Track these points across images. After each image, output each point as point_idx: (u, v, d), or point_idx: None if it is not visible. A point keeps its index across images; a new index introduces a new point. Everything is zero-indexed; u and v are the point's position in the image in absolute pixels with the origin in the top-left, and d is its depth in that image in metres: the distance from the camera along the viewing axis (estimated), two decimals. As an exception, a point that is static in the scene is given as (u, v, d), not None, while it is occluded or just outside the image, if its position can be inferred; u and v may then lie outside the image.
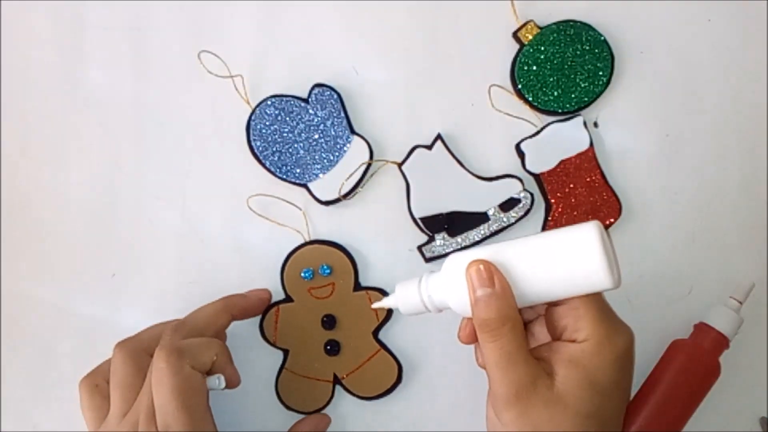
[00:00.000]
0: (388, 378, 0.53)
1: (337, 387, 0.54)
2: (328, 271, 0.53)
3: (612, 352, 0.41)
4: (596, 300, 0.42)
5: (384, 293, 0.53)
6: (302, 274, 0.53)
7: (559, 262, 0.41)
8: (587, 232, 0.40)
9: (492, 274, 0.42)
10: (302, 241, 0.54)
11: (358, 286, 0.54)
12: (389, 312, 0.53)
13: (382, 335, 0.54)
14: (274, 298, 0.54)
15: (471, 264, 0.42)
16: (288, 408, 0.53)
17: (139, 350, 0.47)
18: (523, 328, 0.43)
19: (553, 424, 0.41)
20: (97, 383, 0.47)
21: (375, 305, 0.47)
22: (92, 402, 0.47)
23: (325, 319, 0.53)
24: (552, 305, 0.44)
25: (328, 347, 0.53)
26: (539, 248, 0.42)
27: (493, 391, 0.43)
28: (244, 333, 0.53)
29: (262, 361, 0.54)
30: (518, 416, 0.41)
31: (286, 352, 0.54)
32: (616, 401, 0.42)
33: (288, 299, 0.54)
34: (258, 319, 0.54)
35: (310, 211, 0.55)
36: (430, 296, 0.44)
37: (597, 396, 0.41)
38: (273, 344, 0.54)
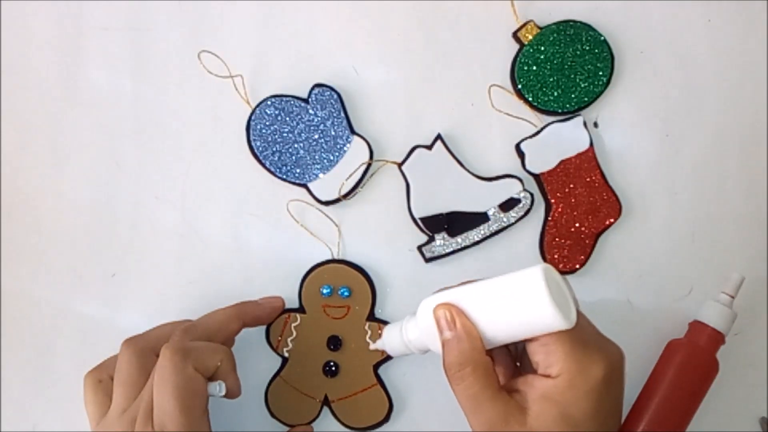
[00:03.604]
0: (376, 414, 0.53)
1: (324, 409, 0.54)
2: (347, 293, 0.53)
3: (585, 384, 0.41)
4: (567, 333, 0.41)
5: None
6: (322, 290, 0.53)
7: (511, 307, 0.42)
8: (532, 279, 0.41)
9: (454, 318, 0.42)
10: (329, 257, 0.54)
11: (372, 316, 0.54)
12: None
13: (382, 370, 0.54)
14: (288, 305, 0.54)
15: (436, 308, 0.43)
16: (272, 415, 0.53)
17: (145, 349, 0.47)
18: (491, 367, 0.43)
19: None
20: (101, 379, 0.48)
21: (371, 347, 0.49)
22: (95, 397, 0.47)
23: (331, 339, 0.53)
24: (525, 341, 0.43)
25: (327, 367, 0.53)
26: (492, 294, 0.43)
27: (471, 429, 0.43)
28: (246, 331, 0.52)
29: (258, 363, 0.54)
30: None
31: (284, 361, 0.54)
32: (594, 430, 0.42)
33: (301, 310, 0.54)
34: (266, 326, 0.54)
35: (310, 211, 0.55)
36: (410, 340, 0.46)
37: (571, 430, 0.41)
38: (275, 349, 0.54)
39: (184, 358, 0.44)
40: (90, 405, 0.47)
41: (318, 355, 0.53)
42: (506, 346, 0.45)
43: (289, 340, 0.53)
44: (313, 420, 0.53)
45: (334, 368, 0.53)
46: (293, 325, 0.53)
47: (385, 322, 0.53)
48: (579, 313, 0.43)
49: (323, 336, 0.53)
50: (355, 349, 0.53)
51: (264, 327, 0.54)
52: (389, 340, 0.47)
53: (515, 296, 0.41)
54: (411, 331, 0.46)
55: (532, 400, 0.42)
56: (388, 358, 0.53)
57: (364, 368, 0.53)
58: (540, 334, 0.42)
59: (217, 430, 0.47)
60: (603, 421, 0.42)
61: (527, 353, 0.43)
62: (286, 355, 0.53)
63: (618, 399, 0.44)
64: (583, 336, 0.42)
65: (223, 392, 0.46)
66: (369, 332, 0.53)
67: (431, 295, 0.45)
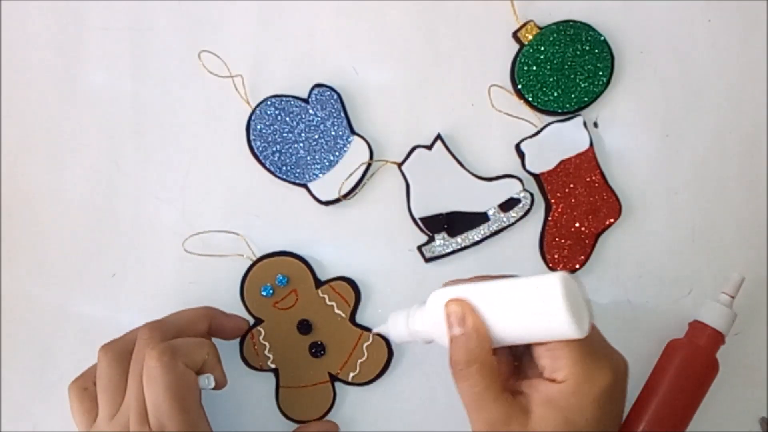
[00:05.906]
0: (380, 357, 0.53)
1: (337, 384, 0.54)
2: (285, 280, 0.53)
3: (591, 391, 0.41)
4: (576, 340, 0.41)
5: (346, 280, 0.54)
6: (262, 293, 0.53)
7: (526, 311, 0.41)
8: (551, 287, 0.40)
9: (466, 315, 0.42)
10: (249, 263, 0.54)
11: (319, 283, 0.54)
12: (357, 296, 0.54)
13: (359, 319, 0.54)
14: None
15: (448, 303, 0.43)
16: (298, 422, 0.54)
17: (124, 352, 0.47)
18: (496, 367, 0.42)
19: None
20: (86, 387, 0.47)
21: (374, 330, 0.48)
22: (82, 406, 0.47)
23: (300, 326, 0.53)
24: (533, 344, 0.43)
25: (313, 350, 0.53)
26: (509, 294, 0.42)
27: (472, 427, 0.43)
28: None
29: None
30: None
31: (276, 372, 0.54)
32: None
33: (258, 321, 0.54)
34: (239, 352, 0.54)
35: (310, 211, 0.55)
36: (416, 330, 0.45)
37: None
38: (261, 369, 0.54)
39: (173, 356, 0.44)
40: (77, 414, 0.47)
41: (299, 346, 0.53)
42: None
43: (266, 353, 0.53)
44: (334, 401, 0.54)
45: (320, 346, 0.53)
46: (260, 338, 0.53)
47: (336, 279, 0.54)
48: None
49: (291, 329, 0.53)
50: (326, 320, 0.53)
51: (242, 359, 0.54)
52: (394, 327, 0.46)
53: (531, 301, 0.41)
54: (418, 322, 0.45)
55: (536, 404, 0.42)
56: (356, 307, 0.54)
57: (343, 329, 0.54)
58: (551, 340, 0.41)
59: (219, 430, 0.47)
60: (604, 429, 0.42)
61: (533, 356, 0.43)
62: (274, 366, 0.54)
63: (620, 408, 0.44)
64: (591, 343, 0.42)
65: (213, 385, 0.46)
66: (326, 297, 0.53)
67: (442, 287, 0.44)
